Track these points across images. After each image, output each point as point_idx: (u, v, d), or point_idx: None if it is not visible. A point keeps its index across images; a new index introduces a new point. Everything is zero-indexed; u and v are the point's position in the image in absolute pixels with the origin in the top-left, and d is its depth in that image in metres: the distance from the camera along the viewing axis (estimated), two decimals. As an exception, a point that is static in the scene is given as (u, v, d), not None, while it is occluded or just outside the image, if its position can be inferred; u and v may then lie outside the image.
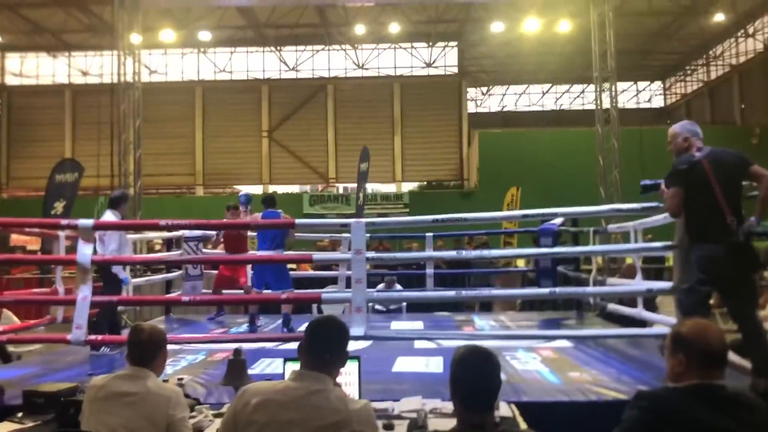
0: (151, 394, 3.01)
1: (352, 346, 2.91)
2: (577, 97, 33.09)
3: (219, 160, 28.31)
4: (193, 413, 3.60)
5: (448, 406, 3.53)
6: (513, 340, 6.80)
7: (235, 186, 28.85)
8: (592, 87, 17.34)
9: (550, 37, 22.58)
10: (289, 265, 10.32)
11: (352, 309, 5.90)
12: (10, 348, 7.05)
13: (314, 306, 10.00)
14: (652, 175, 5.28)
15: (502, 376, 2.50)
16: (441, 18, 25.73)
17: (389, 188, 27.72)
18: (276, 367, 5.30)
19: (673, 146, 4.87)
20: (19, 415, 3.90)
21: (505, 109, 33.70)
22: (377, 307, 10.22)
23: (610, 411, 3.16)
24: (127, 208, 7.69)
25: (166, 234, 10.17)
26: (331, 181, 28.17)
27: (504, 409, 3.70)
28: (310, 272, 11.02)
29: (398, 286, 10.44)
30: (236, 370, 4.03)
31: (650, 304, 7.19)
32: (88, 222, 6.10)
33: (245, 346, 4.69)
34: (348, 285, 7.80)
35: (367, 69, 29.18)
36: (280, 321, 8.01)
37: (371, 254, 6.78)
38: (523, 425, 3.37)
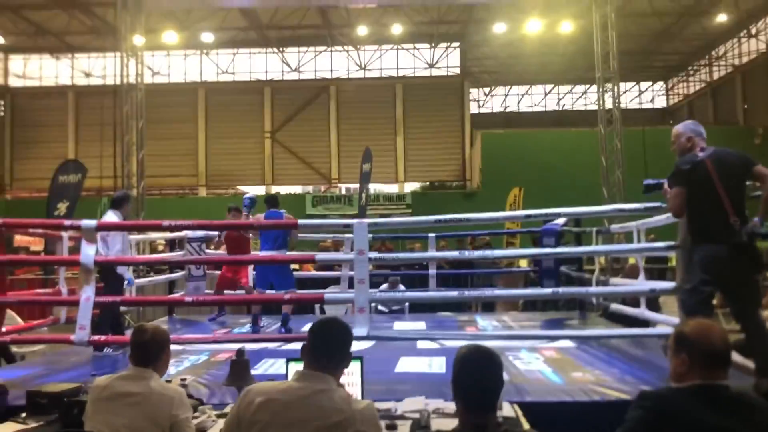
0: (154, 395, 3.01)
1: (355, 346, 2.92)
2: (580, 98, 33.08)
3: (222, 161, 28.35)
4: (196, 414, 3.60)
5: (451, 407, 3.53)
6: (516, 340, 6.79)
7: (238, 187, 28.89)
8: (594, 87, 17.31)
9: (553, 38, 22.58)
10: (292, 266, 10.34)
11: (355, 309, 5.90)
12: (14, 348, 7.06)
13: (317, 306, 10.00)
14: (655, 176, 5.27)
15: (505, 377, 2.50)
16: (443, 19, 25.74)
17: (392, 189, 27.74)
18: (279, 368, 5.30)
19: (676, 146, 4.87)
20: (23, 415, 3.91)
21: (507, 110, 33.69)
22: (380, 307, 10.21)
23: (613, 411, 3.16)
24: (130, 208, 7.70)
25: (169, 234, 10.19)
26: (333, 182, 28.19)
27: (507, 410, 3.70)
28: (313, 272, 11.02)
29: (401, 287, 10.43)
30: (239, 370, 4.03)
31: (653, 304, 7.18)
32: (92, 223, 6.10)
33: (248, 346, 4.69)
34: (351, 285, 7.80)
35: (369, 70, 29.19)
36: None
37: (374, 255, 6.78)
38: (525, 425, 3.37)
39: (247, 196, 8.78)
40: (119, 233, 7.07)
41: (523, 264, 12.25)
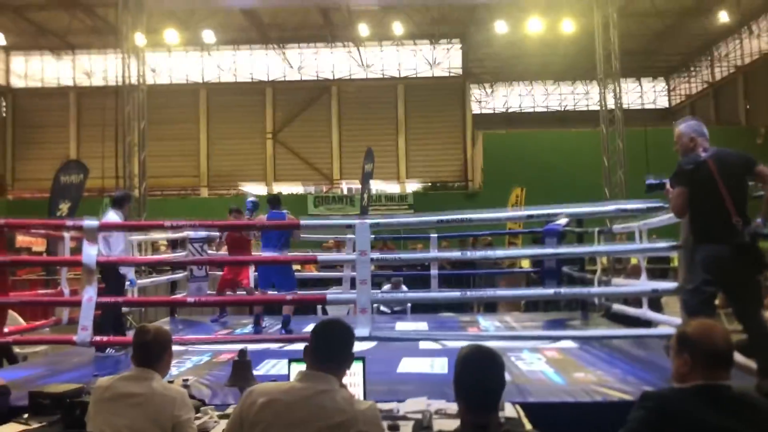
0: (156, 395, 3.01)
1: (357, 346, 2.92)
2: (582, 98, 33.03)
3: (223, 161, 28.36)
4: (199, 414, 3.60)
5: (453, 407, 3.53)
6: (518, 340, 6.79)
7: (240, 187, 28.90)
8: (596, 87, 17.31)
9: (554, 38, 22.54)
10: (294, 266, 10.34)
11: (357, 310, 5.90)
12: (16, 349, 7.06)
13: (319, 307, 10.01)
14: (657, 176, 5.26)
15: (507, 377, 2.50)
16: (444, 19, 25.72)
17: (394, 189, 27.73)
18: (281, 368, 5.31)
19: (679, 146, 4.86)
20: (25, 416, 3.92)
21: (509, 110, 33.64)
22: (382, 308, 10.21)
23: (616, 412, 3.15)
24: (130, 208, 7.71)
25: (171, 235, 10.19)
26: (335, 182, 28.19)
27: (509, 410, 3.70)
28: (315, 273, 11.02)
29: (404, 288, 10.44)
30: (241, 371, 4.03)
31: (655, 305, 7.17)
32: (94, 223, 6.11)
33: (250, 347, 4.69)
34: (353, 286, 7.81)
35: (371, 69, 29.18)
36: (283, 321, 8.01)
37: (376, 255, 6.78)
38: (528, 426, 3.37)
39: (250, 199, 8.77)
40: (122, 233, 7.08)
41: (525, 264, 12.24)
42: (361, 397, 3.50)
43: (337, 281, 10.30)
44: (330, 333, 2.78)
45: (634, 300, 7.44)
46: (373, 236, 6.37)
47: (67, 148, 27.76)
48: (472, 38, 27.54)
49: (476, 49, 28.83)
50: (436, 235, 10.50)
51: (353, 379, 3.57)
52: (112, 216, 7.05)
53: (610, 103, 15.23)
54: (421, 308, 10.09)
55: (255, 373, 4.23)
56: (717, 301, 4.96)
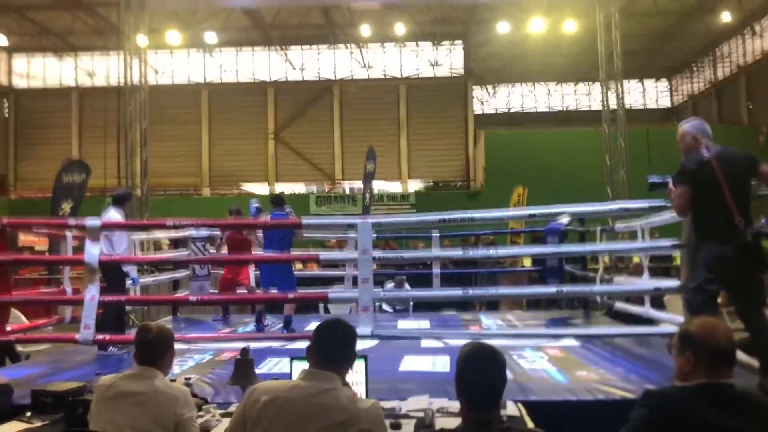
0: (158, 394, 3.01)
1: (359, 345, 2.92)
2: (584, 97, 33.02)
3: (225, 161, 28.39)
4: (201, 413, 3.60)
5: (455, 405, 3.53)
6: (520, 339, 6.79)
7: (242, 187, 28.93)
8: (598, 87, 17.29)
9: (556, 38, 22.55)
10: (297, 265, 10.35)
11: (359, 308, 5.92)
12: (19, 348, 7.07)
13: (321, 305, 10.02)
14: (659, 175, 5.25)
15: (509, 375, 2.50)
16: (446, 18, 25.73)
17: (395, 188, 27.74)
18: (283, 367, 5.30)
19: (682, 145, 4.85)
20: (28, 414, 3.92)
21: (511, 110, 33.66)
22: (384, 306, 10.22)
23: (618, 410, 3.15)
24: (131, 207, 7.72)
25: (173, 234, 10.20)
26: (337, 182, 28.20)
27: (511, 408, 3.69)
28: (317, 271, 11.03)
29: (407, 286, 10.44)
30: (243, 369, 4.03)
31: (658, 303, 7.17)
32: (96, 222, 6.12)
33: (252, 345, 4.69)
34: (355, 284, 7.81)
35: (372, 69, 29.17)
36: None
37: (378, 254, 6.78)
38: (530, 424, 3.36)
39: (254, 204, 8.73)
40: (124, 232, 7.09)
41: (527, 263, 12.25)
42: (364, 396, 3.50)
43: (340, 280, 10.30)
44: (332, 333, 2.78)
45: (636, 298, 7.45)
46: (375, 235, 6.38)
47: (70, 148, 27.82)
48: (474, 38, 27.55)
49: (478, 49, 28.85)
50: (438, 234, 10.51)
51: (355, 377, 3.57)
52: (114, 214, 7.05)
53: (612, 103, 15.19)
54: (423, 306, 10.09)
55: (257, 371, 4.23)
56: (720, 300, 4.95)
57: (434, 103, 28.15)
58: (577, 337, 6.91)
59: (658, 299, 7.19)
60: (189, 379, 4.38)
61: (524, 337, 6.91)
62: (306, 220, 7.27)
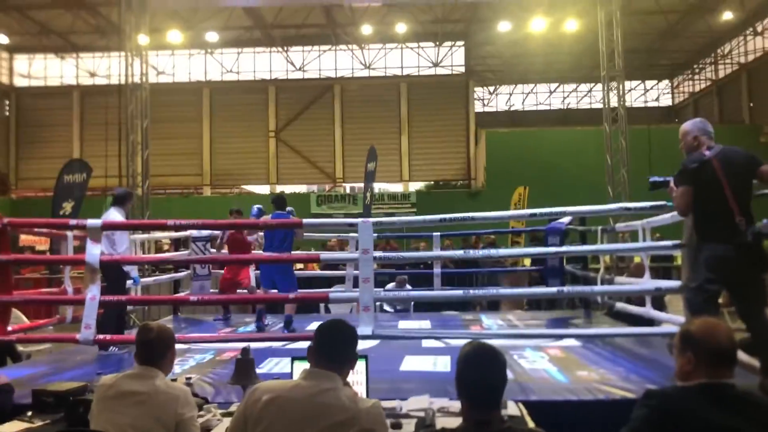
0: (159, 394, 3.02)
1: (360, 345, 2.93)
2: (585, 96, 33.01)
3: (226, 160, 28.38)
4: (202, 412, 3.61)
5: (456, 405, 3.53)
6: (521, 339, 6.79)
7: (242, 186, 28.92)
8: (599, 86, 17.28)
9: (558, 37, 22.53)
10: (298, 265, 10.35)
11: (360, 308, 5.91)
12: (20, 347, 7.08)
13: (322, 305, 10.02)
14: (660, 174, 5.25)
15: (510, 375, 2.50)
16: (448, 17, 25.71)
17: (396, 188, 27.73)
18: (284, 367, 5.31)
19: (683, 144, 4.85)
20: (29, 414, 3.92)
21: (512, 109, 33.64)
22: (385, 306, 10.22)
23: (619, 410, 3.15)
24: (131, 206, 7.72)
25: (174, 234, 10.21)
26: (338, 181, 28.19)
27: (512, 408, 3.70)
28: (318, 272, 11.03)
29: (408, 286, 10.44)
30: (244, 369, 4.03)
31: (658, 303, 7.17)
32: (97, 222, 6.12)
33: (253, 345, 4.69)
34: (355, 284, 7.81)
35: (374, 69, 29.18)
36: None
37: (378, 254, 6.78)
38: (531, 424, 3.37)
39: (256, 206, 8.72)
40: (125, 231, 7.09)
41: (528, 263, 12.26)
42: (364, 395, 3.51)
43: (341, 280, 10.31)
44: (333, 333, 2.79)
45: (637, 298, 7.44)
46: (375, 235, 6.37)
47: (71, 147, 27.83)
48: (476, 37, 27.51)
49: (479, 48, 28.83)
50: (438, 233, 10.51)
51: (356, 377, 3.57)
52: (114, 214, 7.05)
53: (614, 102, 15.20)
54: (423, 307, 10.09)
55: (258, 371, 4.23)
56: (721, 300, 4.95)
57: (435, 102, 28.12)
58: (577, 337, 6.91)
59: (658, 299, 7.18)
60: (190, 378, 4.39)
61: (525, 337, 6.90)
62: (307, 220, 7.26)
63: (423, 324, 8.53)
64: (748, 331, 4.62)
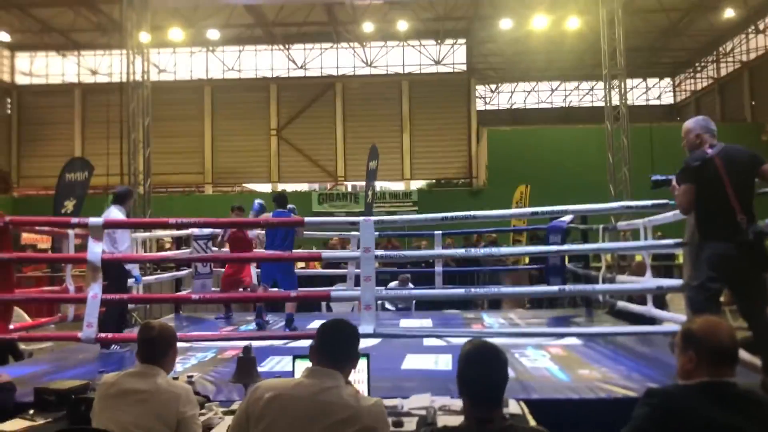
0: (161, 392, 3.02)
1: (362, 343, 2.93)
2: (587, 95, 32.96)
3: (228, 158, 28.38)
4: (203, 410, 3.61)
5: (457, 404, 3.53)
6: (522, 337, 6.79)
7: (244, 185, 28.93)
8: (601, 84, 17.26)
9: (559, 35, 22.50)
10: (300, 263, 10.35)
11: (362, 307, 5.91)
12: (22, 346, 7.09)
13: (323, 304, 10.03)
14: (662, 173, 5.25)
15: (511, 374, 2.50)
16: (449, 15, 25.69)
17: (398, 186, 27.70)
18: (285, 365, 5.31)
19: (686, 142, 4.85)
20: (31, 412, 3.93)
21: (513, 107, 33.59)
22: (387, 305, 10.22)
23: (620, 408, 3.15)
24: (132, 204, 7.71)
25: (175, 232, 10.22)
26: (339, 180, 28.19)
27: (513, 407, 3.70)
28: (320, 270, 11.04)
29: (411, 285, 10.44)
30: (246, 367, 4.04)
31: (660, 302, 7.17)
32: (99, 220, 6.13)
33: (254, 343, 4.70)
34: (357, 283, 7.81)
35: (375, 67, 29.16)
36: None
37: (380, 252, 6.77)
38: (532, 422, 3.37)
39: (258, 201, 8.72)
40: (126, 230, 7.10)
41: (527, 261, 12.26)
42: (366, 394, 3.51)
43: (342, 278, 10.31)
44: (335, 333, 2.80)
45: (638, 297, 7.44)
46: (377, 233, 6.37)
47: (72, 145, 27.85)
48: (477, 35, 27.50)
49: (481, 46, 28.81)
50: (440, 232, 10.51)
51: (358, 375, 3.57)
52: (115, 212, 7.04)
53: (615, 100, 15.17)
54: (425, 305, 10.10)
55: (259, 369, 4.24)
56: (722, 298, 4.95)
57: (437, 100, 28.11)
58: (579, 335, 6.91)
59: (660, 298, 7.18)
60: (191, 377, 4.39)
61: (526, 336, 6.91)
62: (308, 219, 7.25)
63: (424, 322, 8.54)
64: (749, 329, 4.62)
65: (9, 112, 29.24)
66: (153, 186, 15.65)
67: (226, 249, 9.17)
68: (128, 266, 7.12)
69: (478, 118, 28.65)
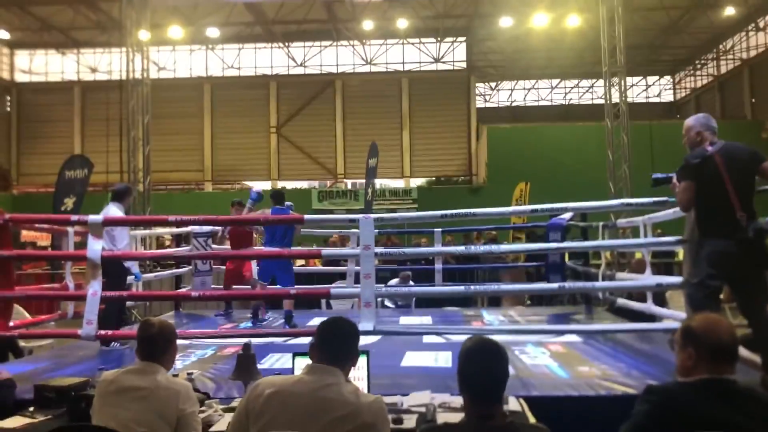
0: (161, 389, 3.02)
1: (361, 340, 2.94)
2: (587, 92, 32.96)
3: (227, 156, 28.38)
4: (203, 408, 3.61)
5: (457, 401, 3.53)
6: (522, 334, 6.79)
7: (243, 182, 28.92)
8: (601, 82, 17.25)
9: (559, 32, 22.51)
10: (299, 260, 10.35)
11: (361, 304, 5.91)
12: (22, 343, 7.09)
13: (323, 301, 10.03)
14: (662, 170, 5.26)
15: (511, 371, 2.50)
16: (449, 13, 25.67)
17: (398, 184, 27.70)
18: (285, 362, 5.31)
19: (686, 140, 4.85)
20: (31, 409, 3.93)
21: (513, 104, 33.61)
22: (387, 302, 10.22)
23: (620, 406, 3.15)
24: (131, 201, 7.71)
25: (175, 230, 10.22)
26: (339, 177, 28.19)
27: (513, 404, 3.70)
28: (320, 267, 11.04)
29: (412, 282, 10.44)
30: (245, 364, 4.04)
31: (660, 299, 7.17)
32: (98, 218, 6.13)
33: (254, 340, 4.70)
34: (357, 280, 7.81)
35: (375, 64, 29.15)
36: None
37: (380, 250, 6.77)
38: (532, 419, 3.37)
39: (255, 189, 8.73)
40: (125, 227, 7.10)
41: (523, 259, 12.26)
42: (366, 391, 3.51)
43: (342, 276, 10.31)
44: (335, 330, 2.80)
45: (638, 294, 7.44)
46: (377, 231, 6.37)
47: (72, 143, 27.84)
48: (477, 32, 27.48)
49: (481, 44, 28.80)
50: (440, 229, 10.50)
51: (357, 372, 3.57)
52: (114, 210, 7.03)
53: (615, 98, 15.16)
54: (425, 302, 10.10)
55: (259, 366, 4.23)
56: (722, 296, 4.95)
57: (437, 98, 28.09)
58: (579, 332, 6.91)
59: (660, 295, 7.19)
60: (191, 374, 4.40)
61: (526, 333, 6.91)
62: (308, 216, 7.25)
63: (424, 320, 8.54)
64: (749, 327, 4.62)
65: (8, 109, 29.25)
66: (152, 183, 15.66)
67: (227, 245, 9.17)
68: (128, 263, 7.12)
69: (477, 115, 28.64)
